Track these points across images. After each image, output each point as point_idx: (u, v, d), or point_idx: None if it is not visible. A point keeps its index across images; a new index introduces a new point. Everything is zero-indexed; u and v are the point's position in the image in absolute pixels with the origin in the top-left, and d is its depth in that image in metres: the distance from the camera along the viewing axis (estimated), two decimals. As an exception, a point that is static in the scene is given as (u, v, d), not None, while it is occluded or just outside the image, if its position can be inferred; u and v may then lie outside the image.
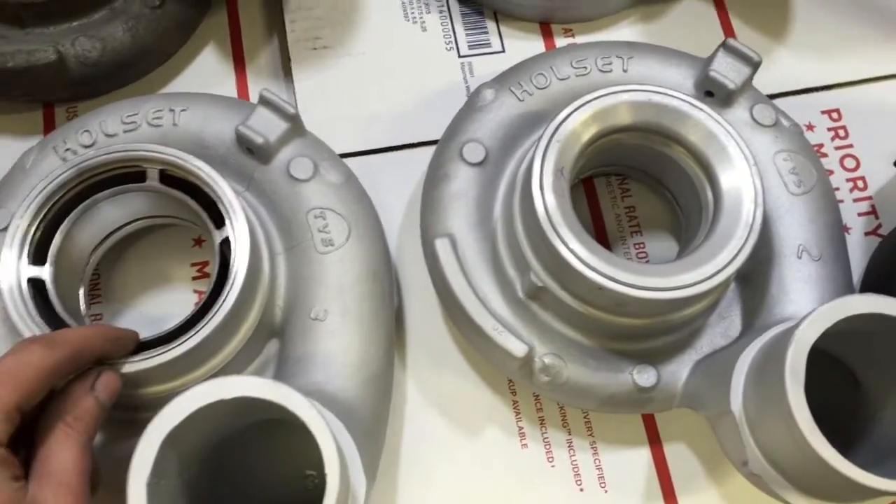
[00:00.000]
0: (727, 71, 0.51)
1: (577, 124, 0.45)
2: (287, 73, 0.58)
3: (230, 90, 0.58)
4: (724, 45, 0.51)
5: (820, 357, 0.39)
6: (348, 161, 0.53)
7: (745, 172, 0.45)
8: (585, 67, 0.52)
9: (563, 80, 0.52)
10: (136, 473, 0.34)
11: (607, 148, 0.48)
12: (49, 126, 0.56)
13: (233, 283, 0.42)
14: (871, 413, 0.44)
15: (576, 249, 0.43)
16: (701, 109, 0.46)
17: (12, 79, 0.52)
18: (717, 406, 0.43)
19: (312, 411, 0.35)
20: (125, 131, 0.49)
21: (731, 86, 0.50)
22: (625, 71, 0.52)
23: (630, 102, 0.46)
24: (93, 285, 0.51)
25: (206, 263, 0.53)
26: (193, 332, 0.41)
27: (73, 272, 0.47)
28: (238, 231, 0.43)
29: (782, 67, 0.60)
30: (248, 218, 0.44)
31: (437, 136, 0.55)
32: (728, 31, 0.61)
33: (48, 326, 0.42)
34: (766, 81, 0.54)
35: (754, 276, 0.49)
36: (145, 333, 0.43)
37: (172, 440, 0.35)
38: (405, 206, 0.55)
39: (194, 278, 0.53)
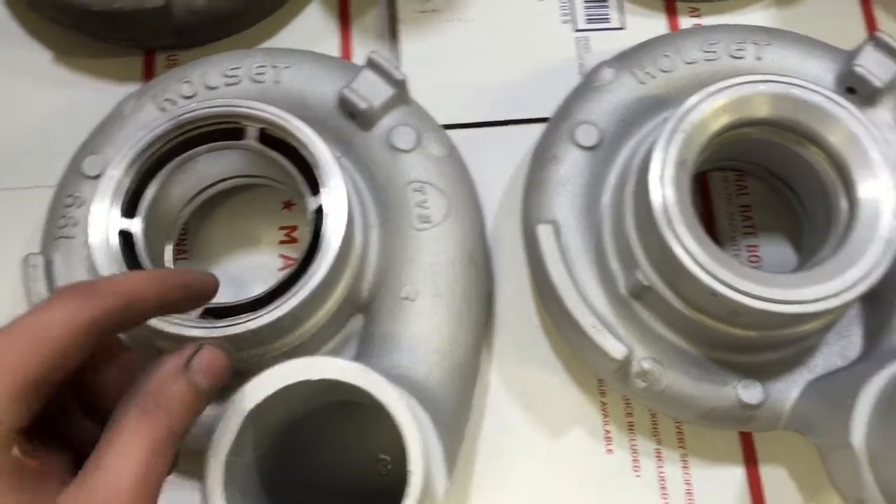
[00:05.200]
0: (874, 67, 0.46)
1: (707, 114, 0.41)
2: (393, 35, 0.56)
3: (333, 49, 0.55)
4: (872, 38, 0.46)
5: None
6: (448, 133, 0.50)
7: (887, 182, 0.41)
8: (715, 52, 0.48)
9: (690, 63, 0.48)
10: (216, 449, 0.32)
11: (732, 142, 0.44)
12: (148, 72, 0.55)
13: (326, 254, 0.40)
14: None
15: (692, 250, 0.40)
16: (844, 108, 0.42)
17: (118, 22, 0.51)
18: (833, 436, 0.39)
19: (401, 403, 0.33)
20: (226, 84, 0.47)
21: (878, 83, 0.46)
22: (758, 59, 0.48)
23: (767, 94, 0.42)
24: (179, 241, 0.50)
25: (294, 228, 0.51)
26: (282, 302, 0.40)
27: (162, 227, 0.46)
28: (335, 199, 0.41)
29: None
30: (346, 186, 0.42)
31: (545, 113, 0.52)
32: (871, 25, 0.56)
33: (135, 281, 0.40)
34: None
35: (881, 294, 0.44)
36: (229, 295, 0.41)
37: (253, 417, 0.33)
38: (504, 187, 0.52)
39: (281, 242, 0.51)
